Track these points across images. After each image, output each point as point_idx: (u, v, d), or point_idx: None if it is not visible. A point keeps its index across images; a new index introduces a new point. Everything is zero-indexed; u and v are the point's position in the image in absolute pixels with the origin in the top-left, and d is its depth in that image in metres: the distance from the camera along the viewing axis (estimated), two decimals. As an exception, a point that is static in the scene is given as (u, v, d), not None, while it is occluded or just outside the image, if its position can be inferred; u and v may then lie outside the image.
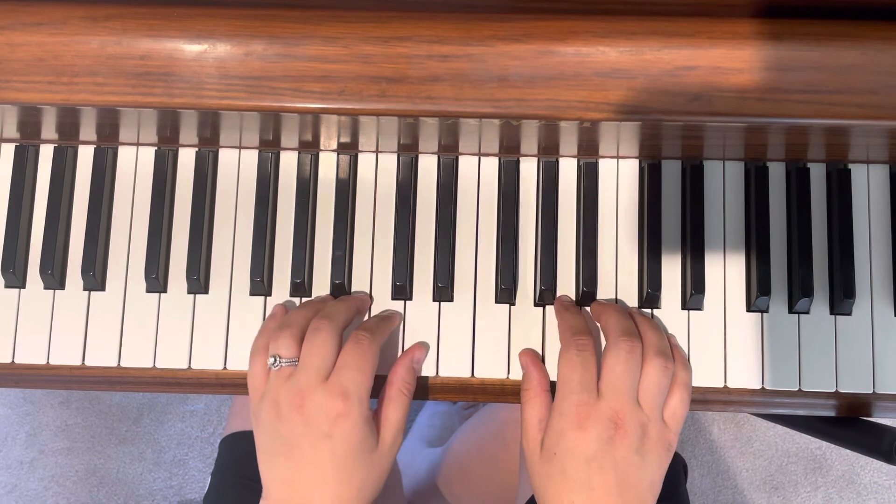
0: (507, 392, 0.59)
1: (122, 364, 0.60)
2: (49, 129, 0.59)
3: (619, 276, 0.60)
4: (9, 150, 0.62)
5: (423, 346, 0.58)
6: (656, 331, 0.56)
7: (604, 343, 0.55)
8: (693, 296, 0.58)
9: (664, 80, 0.49)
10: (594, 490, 0.50)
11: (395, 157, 0.61)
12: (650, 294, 0.58)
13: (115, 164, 0.62)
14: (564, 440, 0.51)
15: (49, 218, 0.60)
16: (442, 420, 1.29)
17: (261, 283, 0.59)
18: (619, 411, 0.51)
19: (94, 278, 0.60)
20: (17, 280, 0.60)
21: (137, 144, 0.61)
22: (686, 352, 0.59)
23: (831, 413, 0.60)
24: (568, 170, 0.61)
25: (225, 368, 0.60)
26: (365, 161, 0.61)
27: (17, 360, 0.60)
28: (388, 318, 0.58)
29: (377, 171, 0.61)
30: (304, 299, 0.60)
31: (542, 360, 0.58)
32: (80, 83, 0.50)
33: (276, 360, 0.53)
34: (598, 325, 0.58)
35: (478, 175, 0.61)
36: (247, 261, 0.60)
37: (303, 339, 0.53)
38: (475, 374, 0.59)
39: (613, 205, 0.60)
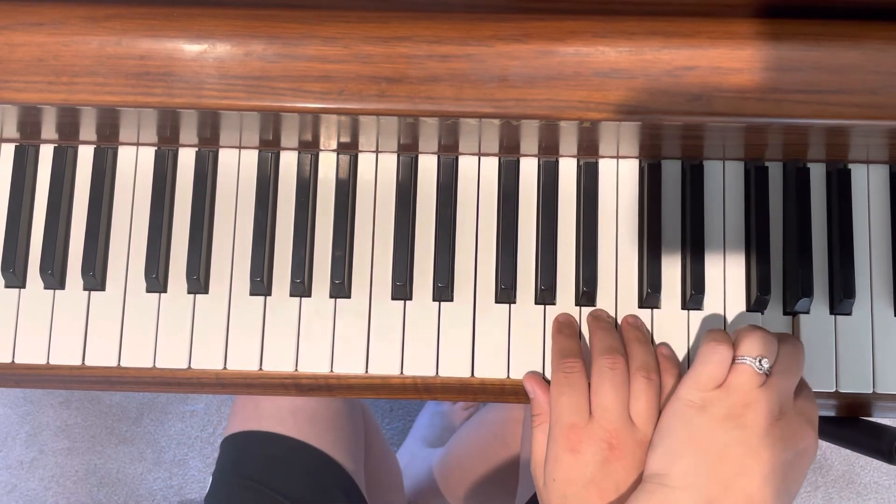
0: (507, 392, 0.59)
1: (122, 364, 0.60)
2: (49, 129, 0.59)
3: (619, 276, 0.60)
4: (9, 150, 0.62)
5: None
6: (642, 345, 0.55)
7: None
8: (693, 296, 0.58)
9: (664, 80, 0.49)
10: None
11: (395, 157, 0.61)
12: (650, 294, 0.58)
13: (115, 164, 0.62)
14: (561, 465, 0.51)
15: (49, 218, 0.60)
16: (442, 420, 1.29)
17: (261, 283, 0.59)
18: (612, 431, 0.50)
19: (94, 278, 0.60)
20: (17, 280, 0.60)
21: (137, 144, 0.61)
22: (685, 352, 0.59)
23: (831, 413, 0.60)
24: (568, 170, 0.61)
25: (225, 368, 0.59)
26: (365, 161, 0.61)
27: (17, 360, 0.60)
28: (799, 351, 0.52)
29: (377, 171, 0.61)
30: (304, 299, 0.60)
31: (544, 366, 0.58)
32: (80, 83, 0.50)
33: (759, 362, 0.48)
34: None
35: (478, 175, 0.61)
36: (247, 261, 0.60)
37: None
38: (475, 374, 0.59)
39: (613, 205, 0.60)
